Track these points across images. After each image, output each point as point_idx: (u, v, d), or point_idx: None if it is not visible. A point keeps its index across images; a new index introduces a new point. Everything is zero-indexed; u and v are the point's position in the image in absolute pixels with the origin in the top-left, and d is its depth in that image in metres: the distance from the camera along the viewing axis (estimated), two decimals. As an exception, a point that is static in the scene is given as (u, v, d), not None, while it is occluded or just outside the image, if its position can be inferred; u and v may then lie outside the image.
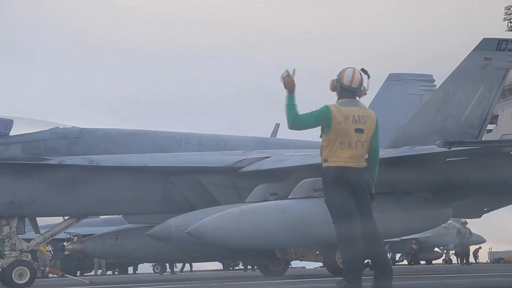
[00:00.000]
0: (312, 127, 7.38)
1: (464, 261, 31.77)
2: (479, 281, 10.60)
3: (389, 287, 7.12)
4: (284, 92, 7.34)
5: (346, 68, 7.50)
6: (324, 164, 7.36)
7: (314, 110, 7.30)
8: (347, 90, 7.42)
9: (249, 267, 30.67)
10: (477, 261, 40.36)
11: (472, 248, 39.18)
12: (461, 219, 28.06)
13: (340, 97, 7.45)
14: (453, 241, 33.85)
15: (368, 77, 7.55)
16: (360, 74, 7.50)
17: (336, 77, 7.48)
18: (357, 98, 7.48)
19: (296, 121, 7.27)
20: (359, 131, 7.25)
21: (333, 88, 7.49)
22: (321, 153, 7.44)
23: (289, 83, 7.29)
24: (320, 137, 7.45)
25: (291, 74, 7.34)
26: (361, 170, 7.30)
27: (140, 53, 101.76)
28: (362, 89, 7.49)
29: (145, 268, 35.53)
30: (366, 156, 7.43)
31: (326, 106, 7.31)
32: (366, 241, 7.28)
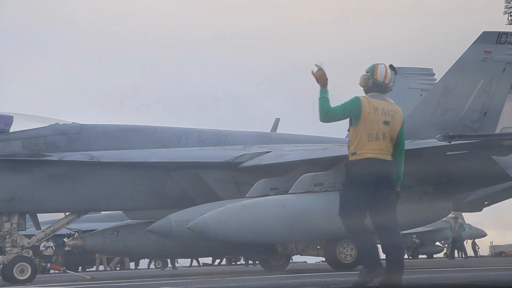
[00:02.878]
0: (343, 119, 7.44)
1: (463, 255, 31.76)
2: (479, 274, 10.61)
3: (398, 282, 7.12)
4: (316, 87, 7.41)
5: (378, 64, 7.58)
6: (352, 157, 7.34)
7: (344, 102, 7.39)
8: (379, 86, 7.51)
9: (250, 262, 30.71)
10: (477, 254, 40.32)
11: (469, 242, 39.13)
12: (452, 213, 28.02)
13: (369, 91, 7.51)
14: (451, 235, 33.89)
15: (395, 73, 7.67)
16: (390, 70, 7.61)
17: (368, 73, 7.54)
18: (385, 94, 7.55)
19: (328, 114, 7.34)
20: (386, 123, 7.30)
21: (365, 84, 7.56)
22: (348, 146, 7.44)
23: (321, 77, 7.38)
24: (348, 130, 7.46)
25: (320, 66, 7.40)
26: (388, 162, 7.34)
27: (139, 48, 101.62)
28: (390, 85, 7.59)
29: (146, 263, 35.56)
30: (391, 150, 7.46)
31: (357, 97, 7.40)
32: (382, 234, 7.31)
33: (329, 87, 7.44)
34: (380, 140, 7.28)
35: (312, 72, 7.42)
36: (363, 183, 7.23)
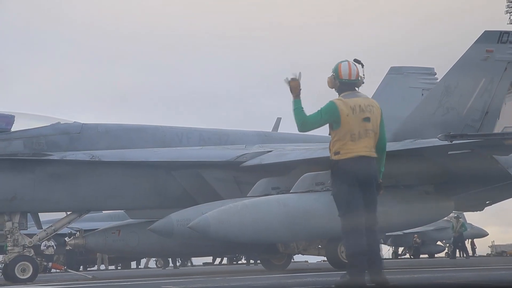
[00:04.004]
0: (322, 125, 7.41)
1: (464, 255, 31.77)
2: (481, 274, 10.60)
3: (382, 280, 7.09)
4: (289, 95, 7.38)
5: (340, 62, 7.52)
6: (335, 157, 7.31)
7: (320, 109, 7.31)
8: (347, 84, 7.44)
9: (252, 261, 30.71)
10: (474, 254, 40.16)
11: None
12: (454, 213, 28.03)
13: (340, 91, 7.46)
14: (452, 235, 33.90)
15: (362, 66, 7.59)
16: (355, 65, 7.51)
17: (333, 74, 7.49)
18: (357, 89, 7.49)
19: (305, 123, 7.31)
20: (367, 119, 7.27)
21: (333, 85, 7.51)
22: (330, 147, 7.39)
23: (295, 87, 7.31)
24: (329, 134, 7.42)
25: (297, 77, 7.35)
26: (371, 159, 7.32)
27: (139, 48, 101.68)
28: (359, 79, 7.51)
29: (149, 263, 35.58)
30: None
31: (332, 102, 7.32)
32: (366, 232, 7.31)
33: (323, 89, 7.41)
34: (362, 138, 7.26)
35: (287, 80, 7.34)
36: (349, 181, 7.19)
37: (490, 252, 45.45)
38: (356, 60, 7.57)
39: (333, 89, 7.51)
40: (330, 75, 7.50)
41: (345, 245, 7.39)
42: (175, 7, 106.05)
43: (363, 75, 7.58)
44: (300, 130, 7.41)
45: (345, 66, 7.46)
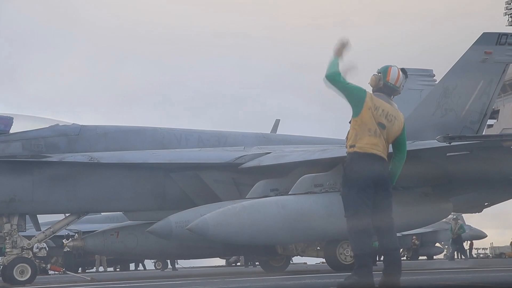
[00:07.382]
0: (341, 91, 7.30)
1: (462, 257, 31.76)
2: (479, 276, 10.60)
3: (397, 282, 7.10)
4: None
5: (391, 66, 7.55)
6: (350, 150, 7.28)
7: (352, 83, 7.30)
8: (389, 88, 7.49)
9: (250, 263, 30.69)
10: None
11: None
12: (453, 215, 28.02)
13: (377, 91, 7.47)
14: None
15: (406, 77, 7.62)
16: (402, 74, 7.56)
17: (380, 74, 7.50)
18: (392, 97, 7.52)
19: (336, 75, 7.23)
20: (382, 126, 7.26)
21: (375, 84, 7.50)
22: (347, 139, 7.37)
23: (341, 49, 7.29)
24: (350, 122, 7.40)
25: (347, 44, 7.32)
26: (384, 160, 7.30)
27: (139, 48, 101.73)
28: (400, 88, 7.59)
29: (147, 264, 35.56)
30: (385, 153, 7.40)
31: (364, 90, 7.34)
32: (379, 235, 7.29)
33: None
34: (377, 137, 7.26)
35: (342, 40, 7.29)
36: (362, 178, 7.15)
37: (474, 255, 45.24)
38: (403, 70, 7.58)
39: (373, 87, 7.52)
40: (376, 74, 7.52)
41: (352, 246, 7.35)
42: (176, 7, 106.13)
43: (403, 86, 7.62)
44: (326, 76, 7.26)
45: (394, 71, 7.51)
